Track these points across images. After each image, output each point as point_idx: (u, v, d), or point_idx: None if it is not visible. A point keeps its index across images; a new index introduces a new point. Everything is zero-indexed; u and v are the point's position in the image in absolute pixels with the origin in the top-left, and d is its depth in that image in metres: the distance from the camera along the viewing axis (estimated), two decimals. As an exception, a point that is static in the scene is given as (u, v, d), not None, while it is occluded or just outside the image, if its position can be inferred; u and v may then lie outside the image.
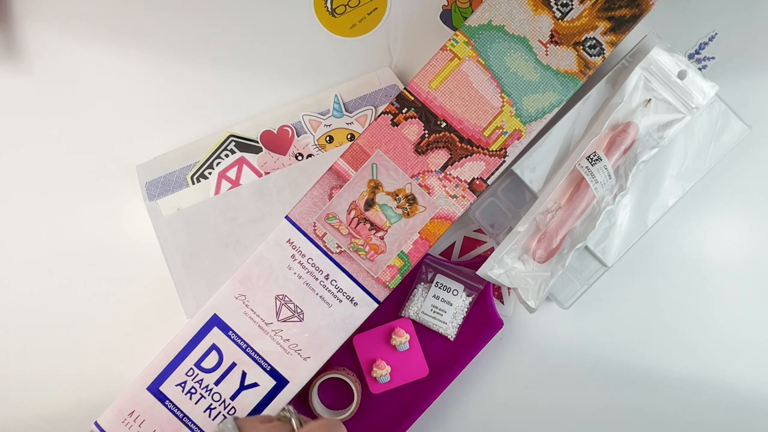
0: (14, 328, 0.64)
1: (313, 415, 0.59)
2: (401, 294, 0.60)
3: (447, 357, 0.60)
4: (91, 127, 0.64)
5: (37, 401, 0.64)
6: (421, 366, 0.60)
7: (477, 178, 0.53)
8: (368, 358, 0.59)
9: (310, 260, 0.53)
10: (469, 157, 0.53)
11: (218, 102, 0.63)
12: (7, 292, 0.64)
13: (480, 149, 0.53)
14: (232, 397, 0.54)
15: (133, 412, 0.53)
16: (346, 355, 0.60)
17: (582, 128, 0.56)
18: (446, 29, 0.63)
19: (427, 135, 0.53)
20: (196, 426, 0.54)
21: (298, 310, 0.53)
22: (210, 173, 0.62)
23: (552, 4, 0.52)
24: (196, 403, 0.54)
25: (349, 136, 0.62)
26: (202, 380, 0.54)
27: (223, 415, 0.54)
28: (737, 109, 0.56)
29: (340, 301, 0.53)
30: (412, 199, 0.53)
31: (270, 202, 0.61)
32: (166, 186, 0.61)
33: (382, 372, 0.59)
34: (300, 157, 0.62)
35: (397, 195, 0.53)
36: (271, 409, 0.54)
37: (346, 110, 0.62)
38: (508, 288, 0.60)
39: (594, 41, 0.52)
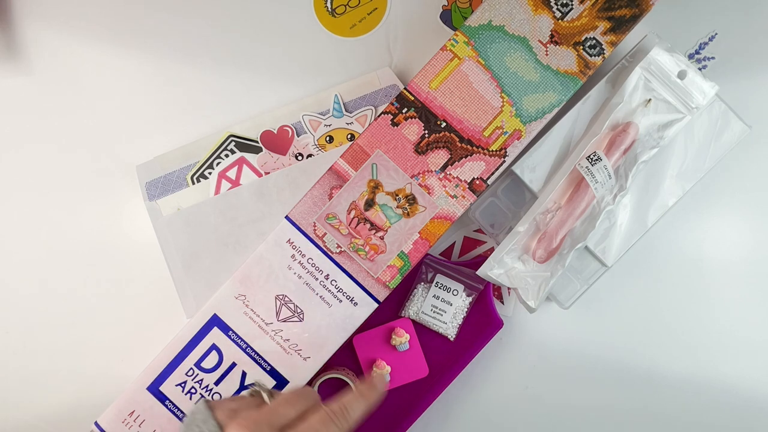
0: (14, 328, 0.64)
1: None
2: (401, 294, 0.60)
3: (447, 357, 0.60)
4: (91, 127, 0.64)
5: (37, 401, 0.64)
6: (421, 366, 0.60)
7: (477, 178, 0.53)
8: (368, 358, 0.59)
9: (310, 260, 0.53)
10: (469, 157, 0.53)
11: (218, 102, 0.63)
12: (7, 292, 0.64)
13: (480, 149, 0.53)
14: (232, 397, 0.54)
15: (133, 412, 0.53)
16: (346, 355, 0.60)
17: (582, 128, 0.56)
18: (446, 29, 0.63)
19: (427, 135, 0.53)
20: (196, 426, 0.54)
21: (298, 310, 0.53)
22: (210, 173, 0.62)
23: (552, 4, 0.52)
24: (196, 404, 0.54)
25: (349, 136, 0.62)
26: (202, 380, 0.54)
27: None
28: (737, 109, 0.56)
29: (340, 301, 0.53)
30: (412, 199, 0.53)
31: (270, 202, 0.61)
32: (166, 186, 0.61)
33: (382, 372, 0.59)
34: (300, 157, 0.62)
35: (397, 195, 0.53)
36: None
37: (346, 110, 0.62)
38: (508, 288, 0.60)
39: (594, 41, 0.52)
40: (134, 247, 0.63)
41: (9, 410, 0.64)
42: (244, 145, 0.62)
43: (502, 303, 0.63)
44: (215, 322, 0.53)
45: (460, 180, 0.53)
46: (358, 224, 0.53)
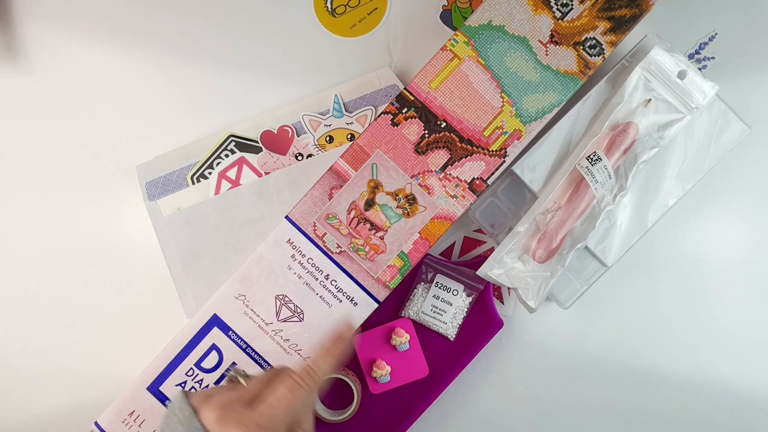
0: (14, 328, 0.64)
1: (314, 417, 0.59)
2: (401, 294, 0.60)
3: (447, 357, 0.60)
4: (91, 127, 0.64)
5: (37, 401, 0.64)
6: (421, 366, 0.60)
7: (477, 178, 0.53)
8: (368, 358, 0.59)
9: (310, 260, 0.53)
10: (469, 157, 0.53)
11: (218, 102, 0.63)
12: (7, 292, 0.64)
13: (480, 149, 0.53)
14: (232, 397, 0.54)
15: (133, 412, 0.53)
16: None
17: (582, 128, 0.56)
18: (446, 29, 0.63)
19: (427, 135, 0.53)
20: (196, 426, 0.54)
21: (298, 310, 0.53)
22: (210, 173, 0.62)
23: (552, 4, 0.52)
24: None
25: (349, 136, 0.62)
26: (202, 380, 0.54)
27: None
28: (737, 109, 0.56)
29: (340, 301, 0.53)
30: (412, 199, 0.53)
31: (270, 202, 0.61)
32: (166, 186, 0.61)
33: (382, 372, 0.59)
34: (300, 157, 0.62)
35: (397, 195, 0.53)
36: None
37: (346, 110, 0.62)
38: (508, 288, 0.60)
39: (594, 41, 0.52)
40: (134, 247, 0.63)
41: (9, 410, 0.64)
42: (244, 145, 0.62)
43: (502, 303, 0.63)
44: (215, 322, 0.53)
45: (460, 180, 0.53)
46: (358, 224, 0.53)
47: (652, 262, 0.62)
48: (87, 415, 0.56)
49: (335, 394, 0.61)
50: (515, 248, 0.56)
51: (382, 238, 0.53)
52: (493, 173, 0.53)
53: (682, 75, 0.55)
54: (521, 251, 0.56)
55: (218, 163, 0.62)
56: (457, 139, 0.53)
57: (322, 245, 0.53)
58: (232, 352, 0.53)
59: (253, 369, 0.53)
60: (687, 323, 0.62)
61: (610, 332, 0.62)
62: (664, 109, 0.55)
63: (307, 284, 0.53)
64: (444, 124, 0.53)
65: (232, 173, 0.62)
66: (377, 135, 0.53)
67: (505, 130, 0.53)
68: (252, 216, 0.61)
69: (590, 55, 0.52)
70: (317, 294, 0.53)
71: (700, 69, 0.61)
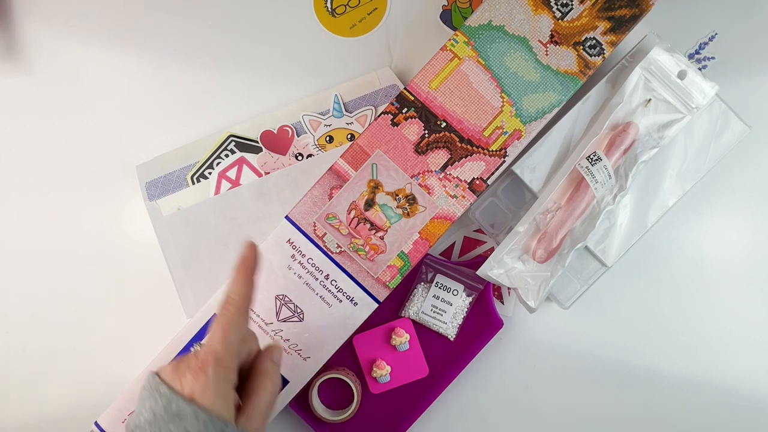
0: (14, 328, 0.64)
1: (313, 416, 0.59)
2: (401, 294, 0.60)
3: (447, 357, 0.60)
4: (91, 127, 0.64)
5: (37, 401, 0.64)
6: (421, 366, 0.60)
7: (477, 178, 0.53)
8: (368, 358, 0.59)
9: (310, 260, 0.53)
10: (469, 157, 0.53)
11: (218, 102, 0.63)
12: (7, 292, 0.64)
13: (480, 149, 0.53)
14: (232, 397, 0.54)
15: (133, 412, 0.53)
16: (346, 355, 0.60)
17: (582, 128, 0.56)
18: (446, 29, 0.63)
19: (427, 135, 0.53)
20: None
21: (298, 310, 0.53)
22: (210, 173, 0.62)
23: (552, 4, 0.52)
24: None
25: (349, 136, 0.62)
26: (202, 380, 0.54)
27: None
28: (737, 109, 0.56)
29: (340, 301, 0.53)
30: (412, 199, 0.53)
31: (270, 202, 0.61)
32: (166, 186, 0.61)
33: (382, 372, 0.59)
34: (300, 157, 0.62)
35: (397, 195, 0.53)
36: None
37: (346, 110, 0.62)
38: (508, 288, 0.60)
39: (594, 41, 0.52)
40: (134, 247, 0.63)
41: (9, 410, 0.64)
42: (244, 145, 0.62)
43: (502, 303, 0.63)
44: (215, 322, 0.53)
45: (460, 180, 0.53)
46: (358, 224, 0.53)
47: (652, 262, 0.62)
48: (87, 415, 0.56)
49: (335, 394, 0.61)
50: (515, 248, 0.56)
51: (382, 238, 0.53)
52: (493, 173, 0.53)
53: (682, 75, 0.55)
54: (521, 251, 0.56)
55: (218, 163, 0.62)
56: (457, 139, 0.53)
57: (322, 245, 0.53)
58: (232, 352, 0.53)
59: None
60: (687, 323, 0.62)
61: (610, 332, 0.62)
62: (664, 109, 0.55)
63: (307, 284, 0.53)
64: (444, 124, 0.53)
65: (232, 173, 0.62)
66: (377, 135, 0.53)
67: (505, 130, 0.53)
68: (252, 216, 0.61)
69: (590, 55, 0.52)
70: (317, 294, 0.53)
71: (700, 69, 0.61)
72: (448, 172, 0.53)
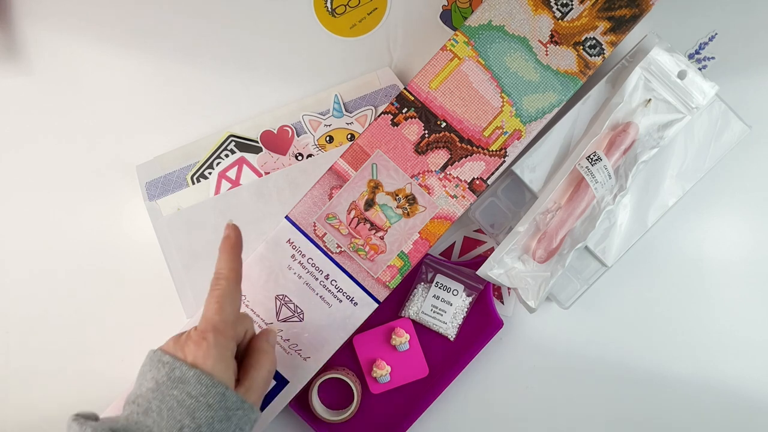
0: (14, 328, 0.64)
1: (313, 416, 0.59)
2: (401, 294, 0.60)
3: (447, 357, 0.60)
4: (91, 127, 0.64)
5: (38, 401, 0.64)
6: (421, 366, 0.60)
7: (477, 178, 0.53)
8: (368, 358, 0.59)
9: (310, 260, 0.53)
10: (469, 157, 0.53)
11: (218, 102, 0.63)
12: (7, 291, 0.64)
13: (480, 149, 0.53)
14: (232, 397, 0.54)
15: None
16: (346, 355, 0.60)
17: (582, 128, 0.56)
18: (446, 29, 0.63)
19: (427, 135, 0.53)
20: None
21: (298, 310, 0.53)
22: (210, 173, 0.62)
23: (552, 4, 0.52)
24: None
25: (349, 136, 0.62)
26: (202, 380, 0.54)
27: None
28: (737, 109, 0.56)
29: (340, 301, 0.53)
30: (412, 199, 0.53)
31: (270, 202, 0.61)
32: (166, 186, 0.61)
33: (382, 372, 0.59)
34: (300, 157, 0.62)
35: (397, 195, 0.53)
36: (272, 410, 0.55)
37: (346, 110, 0.62)
38: (508, 288, 0.60)
39: (594, 41, 0.52)
40: (134, 247, 0.63)
41: (9, 410, 0.64)
42: (244, 145, 0.62)
43: (502, 303, 0.63)
44: (215, 322, 0.53)
45: (460, 180, 0.53)
46: (358, 224, 0.53)
47: (652, 262, 0.62)
48: (87, 415, 0.56)
49: (335, 394, 0.61)
50: (515, 248, 0.56)
51: (382, 238, 0.53)
52: (493, 173, 0.53)
53: (682, 75, 0.55)
54: (521, 251, 0.56)
55: (218, 163, 0.62)
56: (457, 139, 0.53)
57: (322, 245, 0.53)
58: (232, 352, 0.53)
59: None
60: (687, 323, 0.62)
61: (610, 332, 0.62)
62: (664, 109, 0.55)
63: (307, 284, 0.53)
64: (444, 124, 0.53)
65: (232, 173, 0.62)
66: (377, 135, 0.53)
67: (505, 130, 0.53)
68: (252, 216, 0.61)
69: (590, 55, 0.52)
70: (317, 294, 0.53)
71: (700, 69, 0.61)
72: (448, 172, 0.53)
